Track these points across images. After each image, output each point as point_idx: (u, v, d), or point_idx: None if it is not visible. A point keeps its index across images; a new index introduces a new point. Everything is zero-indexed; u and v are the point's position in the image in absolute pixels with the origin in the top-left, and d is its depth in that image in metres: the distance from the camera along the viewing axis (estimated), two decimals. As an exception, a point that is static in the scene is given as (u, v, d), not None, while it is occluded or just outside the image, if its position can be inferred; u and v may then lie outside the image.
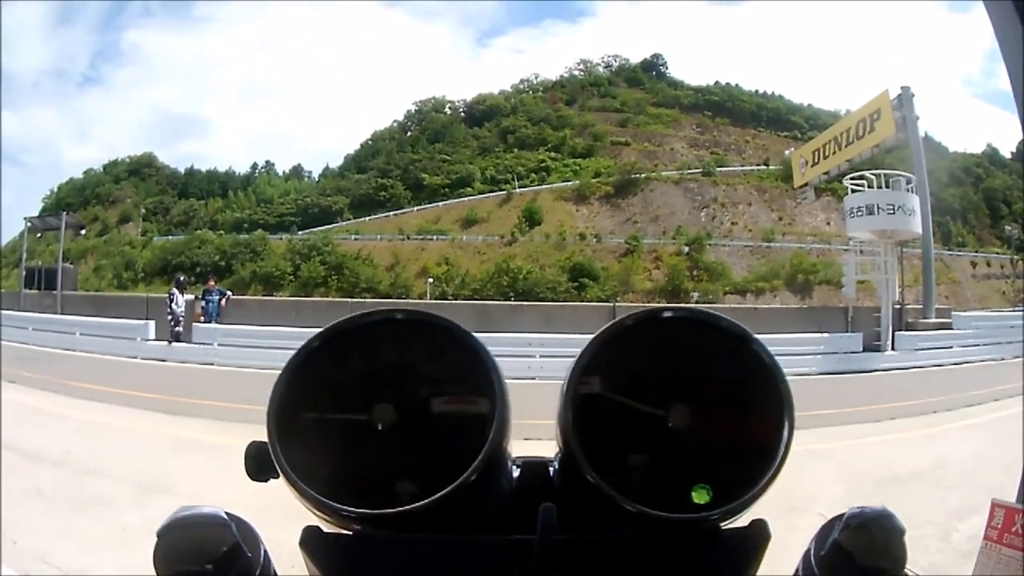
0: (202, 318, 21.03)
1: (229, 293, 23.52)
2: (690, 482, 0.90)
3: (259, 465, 0.96)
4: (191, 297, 21.67)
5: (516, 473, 1.09)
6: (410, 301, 48.99)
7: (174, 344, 19.71)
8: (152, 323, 20.72)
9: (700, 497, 0.89)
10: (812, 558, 0.80)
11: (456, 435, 0.91)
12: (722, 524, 0.89)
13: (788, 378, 0.92)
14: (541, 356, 16.81)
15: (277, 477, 0.89)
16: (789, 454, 0.88)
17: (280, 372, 0.92)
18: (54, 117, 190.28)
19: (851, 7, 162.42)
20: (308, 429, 0.90)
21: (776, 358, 0.93)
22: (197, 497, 4.87)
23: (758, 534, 0.89)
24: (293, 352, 0.93)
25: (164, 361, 18.65)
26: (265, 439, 0.90)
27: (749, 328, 0.96)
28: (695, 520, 0.87)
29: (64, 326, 22.51)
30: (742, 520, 0.90)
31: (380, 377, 0.94)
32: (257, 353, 17.85)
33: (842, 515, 0.77)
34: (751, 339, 0.94)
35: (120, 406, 11.23)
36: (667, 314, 0.95)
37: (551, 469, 1.10)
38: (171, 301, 20.36)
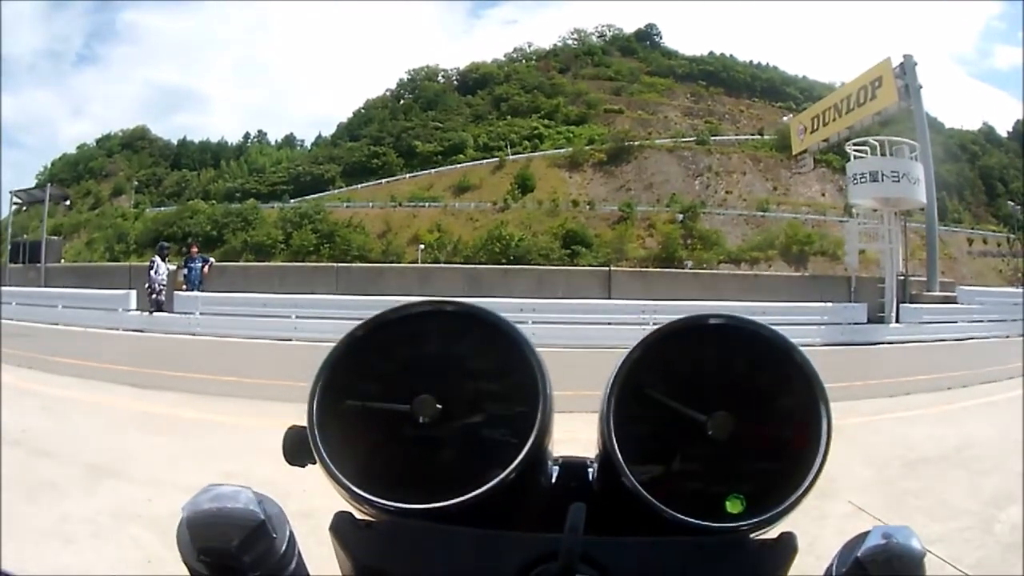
0: (184, 286, 20.52)
1: (212, 260, 22.92)
2: (725, 491, 0.89)
3: (297, 450, 0.95)
4: (174, 267, 21.15)
5: (555, 472, 1.07)
6: (403, 266, 48.60)
7: (155, 314, 19.31)
8: (134, 293, 20.36)
9: (734, 507, 0.88)
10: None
11: (498, 432, 0.91)
12: (752, 535, 0.88)
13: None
14: (534, 323, 16.26)
15: (314, 463, 0.90)
16: (825, 467, 0.87)
17: (323, 359, 0.92)
18: (50, 97, 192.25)
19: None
20: (348, 418, 0.91)
21: (817, 371, 0.92)
22: (151, 481, 4.30)
23: (786, 546, 0.86)
24: (336, 341, 0.94)
25: (142, 332, 18.27)
26: (304, 424, 0.91)
27: (781, 331, 0.95)
28: (728, 529, 0.86)
29: (47, 299, 22.20)
30: (772, 531, 0.89)
31: (424, 369, 0.94)
32: (240, 322, 17.64)
33: (866, 533, 0.78)
34: (793, 349, 0.93)
35: (94, 380, 10.72)
36: (712, 321, 0.95)
37: (590, 470, 1.08)
38: (151, 269, 19.93)
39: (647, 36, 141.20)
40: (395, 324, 0.94)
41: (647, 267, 65.10)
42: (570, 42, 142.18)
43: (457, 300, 0.94)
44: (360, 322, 0.93)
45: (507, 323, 0.93)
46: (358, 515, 0.87)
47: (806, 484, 0.85)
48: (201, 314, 18.51)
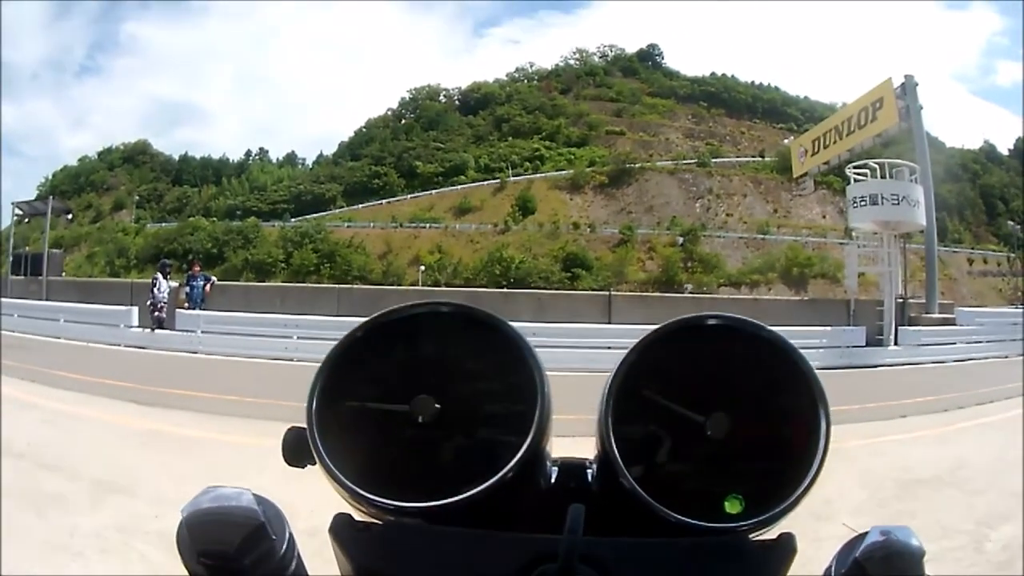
0: (186, 304, 20.57)
1: (213, 278, 22.98)
2: (724, 491, 0.90)
3: (296, 451, 0.96)
4: (175, 284, 21.19)
5: (554, 473, 1.07)
6: (404, 288, 48.56)
7: (157, 331, 19.31)
8: (135, 309, 20.32)
9: (733, 507, 0.89)
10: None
11: (496, 431, 0.92)
12: (751, 535, 0.88)
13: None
14: (536, 347, 16.23)
15: (314, 463, 0.91)
16: (823, 469, 0.88)
17: (322, 360, 0.93)
18: (52, 107, 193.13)
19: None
20: (347, 418, 0.92)
21: (817, 373, 0.93)
22: (158, 497, 4.38)
23: (785, 547, 0.86)
24: (336, 341, 0.95)
25: (144, 348, 18.28)
26: (303, 425, 0.92)
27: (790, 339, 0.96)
28: (726, 530, 0.87)
29: (49, 312, 22.19)
30: (771, 532, 0.89)
31: (422, 369, 0.95)
32: (241, 341, 17.68)
33: (865, 534, 0.78)
34: (792, 349, 0.94)
35: (96, 396, 10.77)
36: (711, 321, 0.96)
37: (589, 471, 1.07)
38: (153, 286, 19.94)
39: (649, 56, 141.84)
40: (393, 325, 0.95)
41: (647, 290, 65.08)
42: (572, 62, 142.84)
43: (454, 301, 0.95)
44: (359, 323, 0.94)
45: (504, 323, 0.94)
46: (358, 516, 0.88)
47: (805, 484, 0.86)
48: (203, 332, 18.52)
